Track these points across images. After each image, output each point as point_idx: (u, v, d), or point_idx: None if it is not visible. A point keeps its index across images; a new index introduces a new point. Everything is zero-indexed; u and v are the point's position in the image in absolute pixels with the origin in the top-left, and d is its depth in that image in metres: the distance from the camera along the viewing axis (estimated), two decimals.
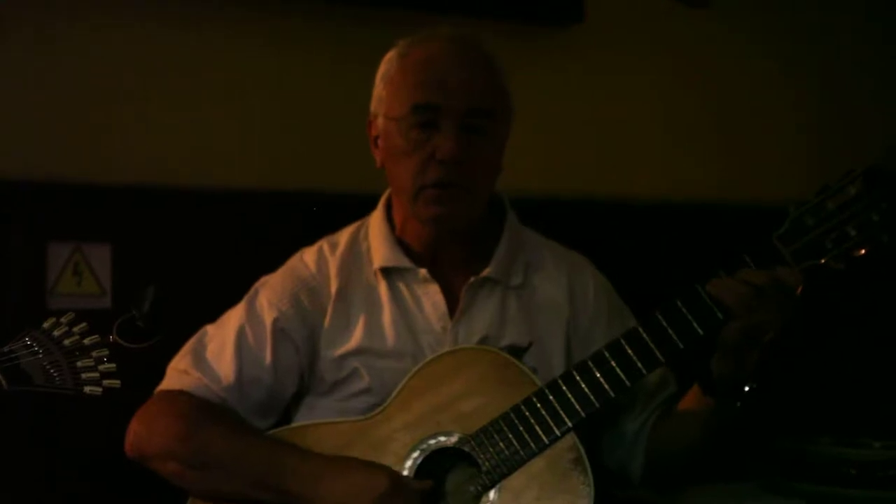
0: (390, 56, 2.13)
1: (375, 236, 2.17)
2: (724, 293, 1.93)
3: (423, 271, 2.12)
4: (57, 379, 1.80)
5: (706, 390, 2.04)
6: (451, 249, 2.14)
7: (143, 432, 2.06)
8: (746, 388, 2.00)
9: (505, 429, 1.98)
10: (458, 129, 2.04)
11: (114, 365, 1.83)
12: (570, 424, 1.97)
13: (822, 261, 1.96)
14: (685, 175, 3.14)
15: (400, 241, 2.15)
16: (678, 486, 2.29)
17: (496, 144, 2.10)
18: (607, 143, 3.07)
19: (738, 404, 2.00)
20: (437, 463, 2.00)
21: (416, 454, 2.00)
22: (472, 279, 2.12)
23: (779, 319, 1.93)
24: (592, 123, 3.06)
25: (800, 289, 1.95)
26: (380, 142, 2.13)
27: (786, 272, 1.94)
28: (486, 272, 2.13)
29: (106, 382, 1.81)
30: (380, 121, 2.12)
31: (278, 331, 2.11)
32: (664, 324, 1.99)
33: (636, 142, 3.10)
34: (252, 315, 2.13)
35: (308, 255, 2.18)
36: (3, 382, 1.76)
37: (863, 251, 1.95)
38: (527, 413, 1.98)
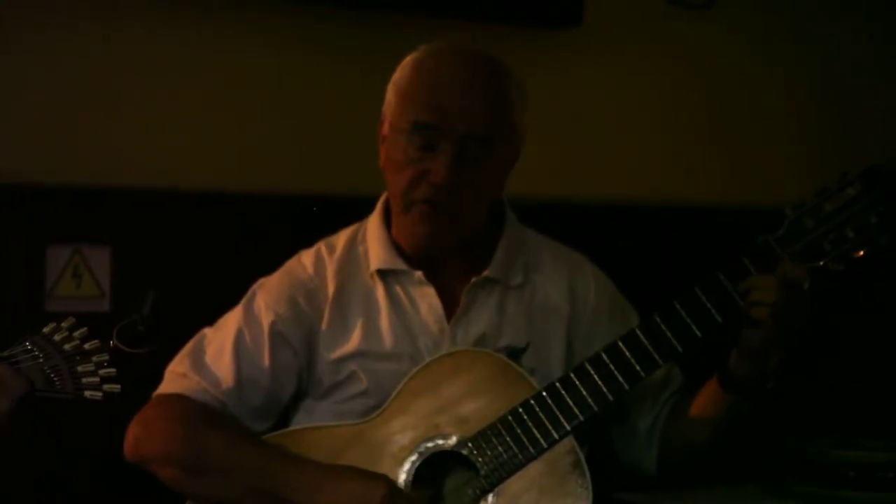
0: (406, 63, 2.11)
1: (372, 239, 2.17)
2: (757, 293, 1.95)
3: (418, 274, 2.12)
4: (57, 383, 1.80)
5: (727, 388, 2.04)
6: (449, 253, 2.14)
7: (142, 436, 2.06)
8: (769, 386, 2.01)
9: (503, 432, 1.98)
10: (453, 154, 2.03)
11: (114, 369, 1.83)
12: (568, 428, 1.97)
13: (821, 262, 1.97)
14: (684, 178, 3.14)
15: (396, 244, 2.15)
16: (688, 481, 2.30)
17: (493, 170, 2.09)
18: (605, 145, 3.07)
19: (761, 401, 2.03)
20: (435, 466, 2.00)
21: (413, 457, 2.00)
22: (474, 279, 2.12)
23: (804, 316, 1.95)
24: (591, 126, 3.06)
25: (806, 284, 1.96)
26: (383, 145, 2.13)
27: (794, 268, 1.95)
28: (486, 272, 2.13)
29: (106, 387, 1.82)
30: (386, 126, 2.12)
31: (275, 334, 2.11)
32: (662, 326, 1.99)
33: (635, 144, 3.10)
34: (249, 318, 2.13)
35: (305, 258, 2.18)
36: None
37: (861, 252, 1.95)
38: (525, 416, 1.98)
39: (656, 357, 1.99)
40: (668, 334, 1.99)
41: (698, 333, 1.98)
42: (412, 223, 2.08)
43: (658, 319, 1.99)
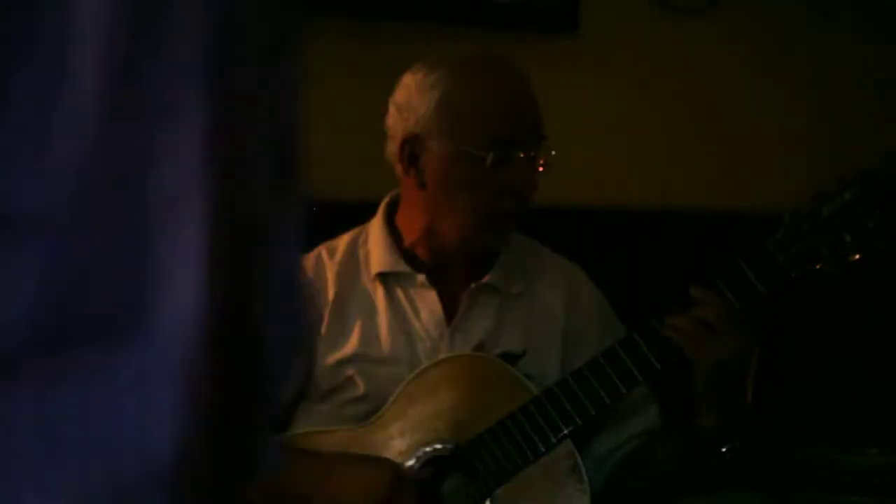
0: (448, 78, 2.05)
1: (374, 242, 2.16)
2: (673, 332, 1.96)
3: (421, 277, 2.11)
4: None
5: (688, 444, 2.03)
6: (458, 259, 2.13)
7: None
8: (725, 450, 1.99)
9: (501, 437, 1.98)
10: (535, 162, 2.06)
11: None
12: (566, 431, 1.97)
13: (818, 266, 1.97)
14: (679, 183, 3.14)
15: (400, 247, 2.14)
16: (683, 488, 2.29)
17: None
18: (602, 150, 3.07)
19: (720, 460, 2.01)
20: (432, 471, 2.00)
21: (411, 462, 1.99)
22: (473, 285, 2.12)
23: (737, 353, 1.95)
24: (587, 131, 3.05)
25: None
26: (428, 164, 2.06)
27: (709, 310, 1.95)
28: (486, 279, 2.13)
29: None
30: (432, 144, 2.04)
31: None
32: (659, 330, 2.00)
33: (631, 149, 3.10)
34: None
35: (306, 261, 2.18)
36: None
37: (857, 256, 1.96)
38: (523, 421, 1.98)
39: (653, 360, 1.99)
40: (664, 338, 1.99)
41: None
42: (486, 234, 2.07)
43: (655, 324, 2.00)
